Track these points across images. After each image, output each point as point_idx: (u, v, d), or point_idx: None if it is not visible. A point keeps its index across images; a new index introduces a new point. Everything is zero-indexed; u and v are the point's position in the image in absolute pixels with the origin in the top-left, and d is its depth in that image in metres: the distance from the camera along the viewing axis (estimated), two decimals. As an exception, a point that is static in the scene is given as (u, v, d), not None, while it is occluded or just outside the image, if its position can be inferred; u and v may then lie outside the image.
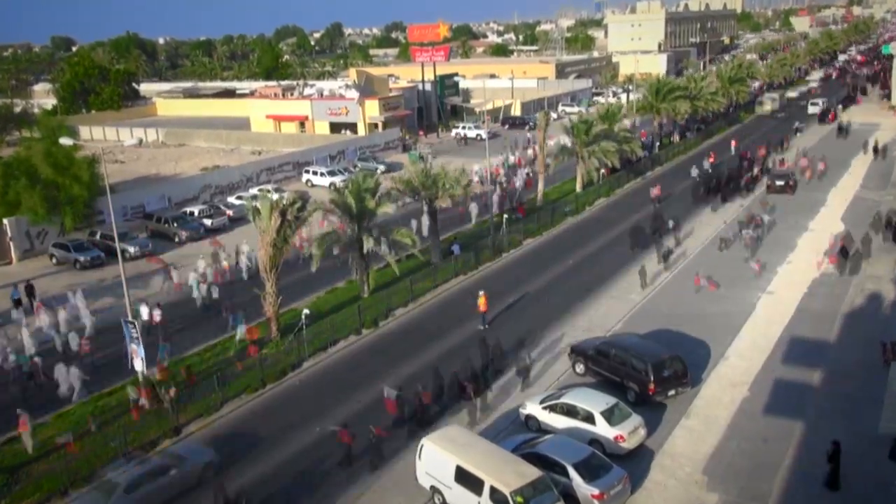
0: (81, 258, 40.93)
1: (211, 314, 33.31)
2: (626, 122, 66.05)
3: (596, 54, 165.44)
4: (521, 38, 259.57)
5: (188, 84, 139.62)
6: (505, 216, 43.32)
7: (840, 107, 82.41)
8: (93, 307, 33.45)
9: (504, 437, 22.40)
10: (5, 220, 42.53)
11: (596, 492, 19.13)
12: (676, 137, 72.02)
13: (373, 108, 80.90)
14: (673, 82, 77.04)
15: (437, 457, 19.91)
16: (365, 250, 34.11)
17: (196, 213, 48.74)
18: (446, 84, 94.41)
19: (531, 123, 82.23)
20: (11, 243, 42.74)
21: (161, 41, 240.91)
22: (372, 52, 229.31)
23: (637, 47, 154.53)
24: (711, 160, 58.89)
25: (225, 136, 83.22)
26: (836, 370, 26.10)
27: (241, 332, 29.97)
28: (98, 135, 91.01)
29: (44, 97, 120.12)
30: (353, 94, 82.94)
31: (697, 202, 48.65)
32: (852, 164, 57.72)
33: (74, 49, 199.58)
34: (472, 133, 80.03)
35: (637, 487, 20.30)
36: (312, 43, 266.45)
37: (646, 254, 39.01)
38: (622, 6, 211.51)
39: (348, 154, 68.71)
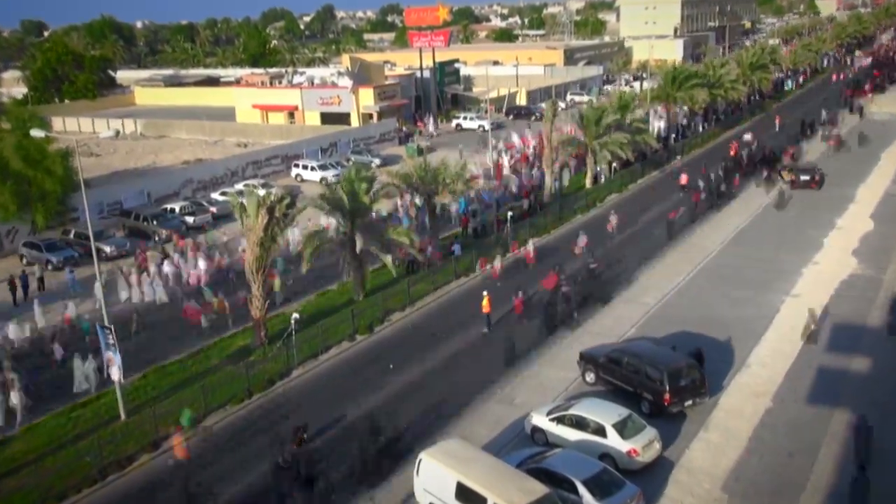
0: (54, 258, 40.87)
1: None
2: (645, 111, 65.95)
3: (607, 39, 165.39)
4: (526, 21, 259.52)
5: (168, 71, 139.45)
6: (510, 213, 43.31)
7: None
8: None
9: (508, 451, 22.38)
10: (-28, 218, 42.54)
11: (607, 510, 19.11)
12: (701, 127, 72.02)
13: (367, 97, 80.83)
14: (690, 69, 76.99)
15: (436, 472, 19.88)
16: (357, 250, 34.12)
17: (177, 210, 48.69)
18: (446, 71, 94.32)
19: (537, 113, 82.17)
20: (-22, 243, 42.77)
21: (139, 25, 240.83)
22: (366, 36, 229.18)
23: (651, 32, 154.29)
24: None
25: (208, 127, 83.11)
26: (867, 378, 26.10)
27: None
28: (72, 126, 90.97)
29: (13, 85, 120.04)
30: (346, 82, 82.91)
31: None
32: (882, 158, 57.72)
33: (46, 34, 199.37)
34: (472, 124, 79.94)
35: (652, 505, 20.28)
36: (302, 27, 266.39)
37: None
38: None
39: (341, 147, 68.65)
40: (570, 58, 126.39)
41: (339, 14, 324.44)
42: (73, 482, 22.38)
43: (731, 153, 58.81)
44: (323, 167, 59.50)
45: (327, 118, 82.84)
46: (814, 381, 26.15)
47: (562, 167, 54.26)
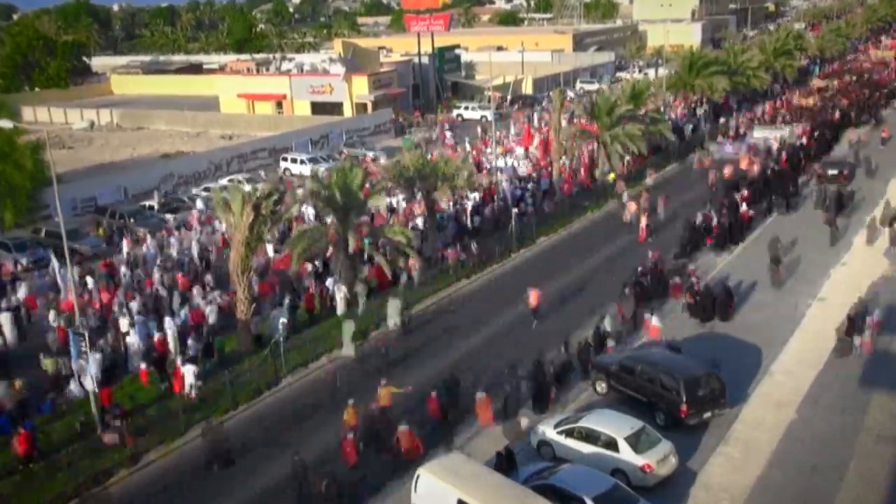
0: (23, 259, 40.88)
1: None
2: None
3: (619, 23, 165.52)
4: (532, 4, 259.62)
5: (147, 58, 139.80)
6: (515, 210, 43.39)
7: None
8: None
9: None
10: (-64, 215, 42.59)
11: (620, 529, 19.17)
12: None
13: (361, 86, 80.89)
14: (709, 55, 77.11)
15: (435, 489, 19.91)
16: (350, 250, 34.22)
17: (156, 207, 48.74)
18: (446, 58, 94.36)
19: (544, 103, 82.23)
20: (-58, 242, 42.73)
21: (116, 8, 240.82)
22: (360, 20, 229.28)
23: (667, 15, 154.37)
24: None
25: (190, 117, 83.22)
26: (897, 389, 26.13)
27: None
28: (43, 116, 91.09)
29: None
30: (339, 69, 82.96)
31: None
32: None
33: (15, 17, 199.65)
34: (475, 115, 79.92)
35: (667, 524, 20.34)
36: (291, 10, 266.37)
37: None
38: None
39: (333, 139, 68.74)
40: (580, 43, 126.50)
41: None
42: (46, 499, 22.43)
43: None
44: (313, 161, 59.59)
45: (318, 108, 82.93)
46: (842, 390, 26.16)
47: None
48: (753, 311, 32.42)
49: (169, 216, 47.79)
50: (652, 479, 21.52)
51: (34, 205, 45.08)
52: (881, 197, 44.74)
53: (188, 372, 27.42)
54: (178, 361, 28.10)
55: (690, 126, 67.68)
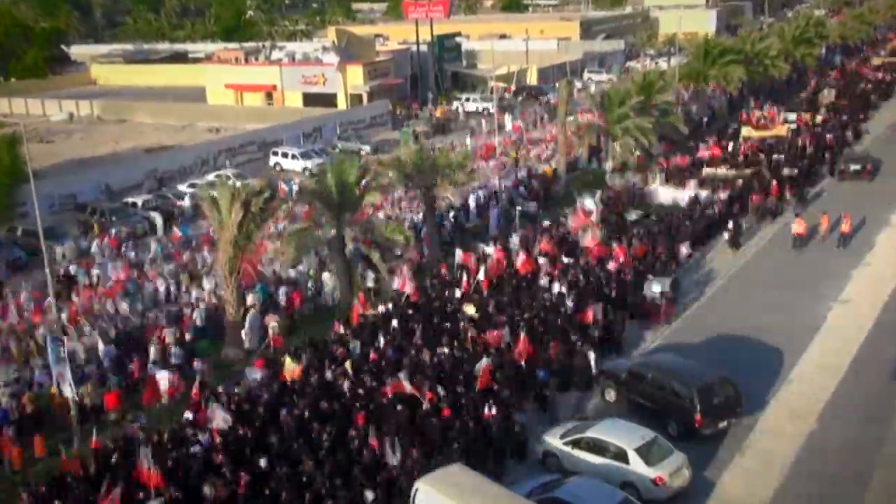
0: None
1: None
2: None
3: (630, 10, 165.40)
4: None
5: (130, 46, 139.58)
6: (518, 209, 43.35)
7: None
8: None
9: (517, 479, 22.41)
10: None
11: (630, 546, 19.20)
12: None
13: (356, 76, 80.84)
14: (724, 43, 76.97)
15: (434, 503, 19.91)
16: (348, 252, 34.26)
17: (140, 204, 48.76)
18: (446, 46, 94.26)
19: (549, 96, 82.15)
20: (-87, 241, 42.79)
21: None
22: (355, 6, 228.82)
23: (680, 1, 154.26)
24: None
25: (176, 109, 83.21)
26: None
27: None
28: (19, 108, 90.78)
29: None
30: (332, 58, 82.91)
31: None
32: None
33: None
34: (478, 106, 79.83)
35: (680, 540, 20.35)
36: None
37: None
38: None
39: (326, 132, 68.71)
40: (588, 31, 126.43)
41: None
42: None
43: None
44: (306, 155, 59.57)
45: (310, 99, 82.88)
46: (864, 399, 26.17)
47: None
48: (770, 314, 32.36)
49: (154, 214, 47.83)
50: (664, 493, 21.54)
51: (10, 202, 45.03)
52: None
53: (163, 379, 27.33)
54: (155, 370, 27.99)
55: (705, 118, 67.77)
